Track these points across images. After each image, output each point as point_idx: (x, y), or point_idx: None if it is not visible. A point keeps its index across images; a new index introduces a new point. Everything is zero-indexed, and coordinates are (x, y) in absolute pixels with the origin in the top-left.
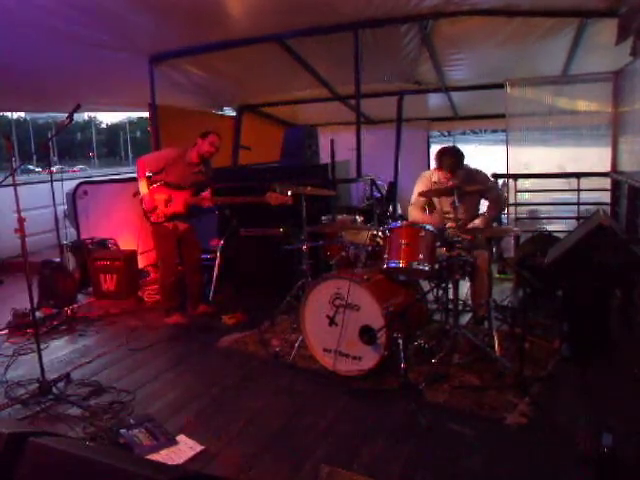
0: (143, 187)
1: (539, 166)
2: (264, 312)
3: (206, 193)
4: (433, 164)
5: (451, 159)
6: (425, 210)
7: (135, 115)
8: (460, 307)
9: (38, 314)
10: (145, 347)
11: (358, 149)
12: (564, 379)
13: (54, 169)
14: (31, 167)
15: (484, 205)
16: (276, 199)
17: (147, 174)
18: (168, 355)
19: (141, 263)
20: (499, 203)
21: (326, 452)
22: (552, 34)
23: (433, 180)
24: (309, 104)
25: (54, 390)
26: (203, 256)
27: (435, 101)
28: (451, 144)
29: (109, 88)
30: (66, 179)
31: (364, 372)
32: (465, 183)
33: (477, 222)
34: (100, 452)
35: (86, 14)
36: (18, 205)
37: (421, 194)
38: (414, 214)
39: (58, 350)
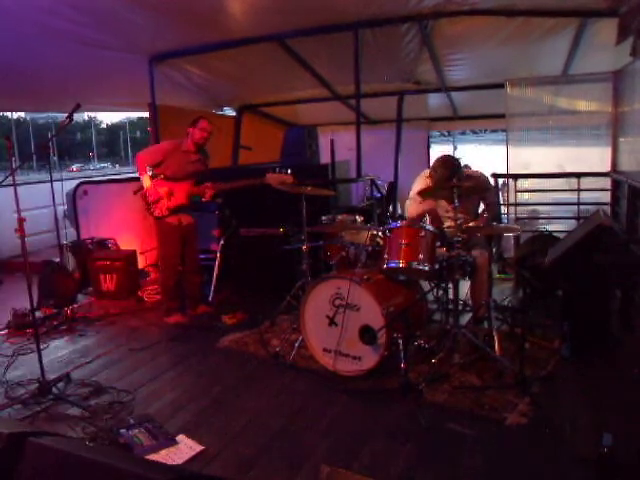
0: (146, 181)
1: (539, 166)
2: (264, 312)
3: (208, 183)
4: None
5: (444, 172)
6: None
7: (135, 115)
8: (460, 307)
9: (38, 314)
10: (145, 347)
11: (358, 149)
12: (564, 379)
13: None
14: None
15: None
16: (276, 179)
17: (149, 173)
18: (168, 355)
19: (141, 263)
20: (493, 209)
21: (326, 452)
22: (552, 34)
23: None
24: (309, 104)
25: (54, 390)
26: (203, 256)
27: (435, 101)
28: (451, 145)
29: (109, 88)
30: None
31: (364, 372)
32: (465, 183)
33: (471, 224)
34: (100, 452)
35: (86, 14)
36: (18, 205)
37: (420, 193)
38: (411, 208)
39: (58, 350)
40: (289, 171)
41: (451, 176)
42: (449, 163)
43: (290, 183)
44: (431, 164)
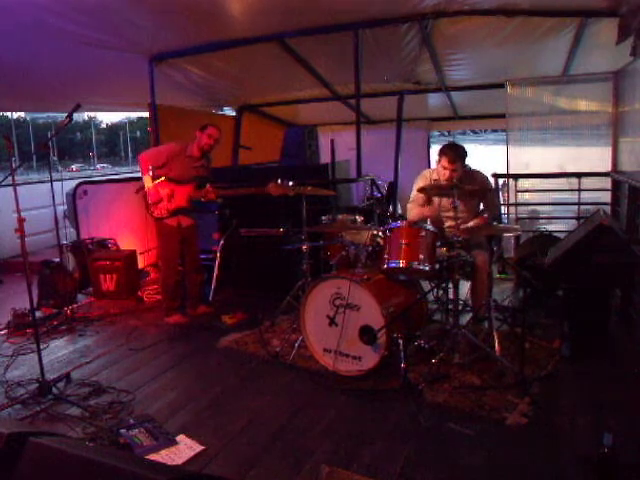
0: (148, 181)
1: (539, 166)
2: (264, 312)
3: (209, 187)
4: (433, 164)
5: (453, 150)
6: (424, 206)
7: (135, 115)
8: (460, 307)
9: (38, 314)
10: (145, 347)
11: (358, 149)
12: (564, 379)
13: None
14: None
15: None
16: (277, 189)
17: (150, 173)
18: (168, 355)
19: (141, 263)
20: (493, 209)
21: (326, 452)
22: (552, 34)
23: (433, 178)
24: (309, 104)
25: (54, 390)
26: (203, 256)
27: (435, 101)
28: None
29: (109, 88)
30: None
31: (364, 372)
32: (464, 182)
33: (472, 223)
34: (100, 452)
35: (86, 14)
36: (18, 205)
37: (420, 190)
38: (413, 211)
39: (58, 350)
40: (290, 183)
41: (459, 154)
42: (454, 144)
43: (292, 194)
44: (436, 152)
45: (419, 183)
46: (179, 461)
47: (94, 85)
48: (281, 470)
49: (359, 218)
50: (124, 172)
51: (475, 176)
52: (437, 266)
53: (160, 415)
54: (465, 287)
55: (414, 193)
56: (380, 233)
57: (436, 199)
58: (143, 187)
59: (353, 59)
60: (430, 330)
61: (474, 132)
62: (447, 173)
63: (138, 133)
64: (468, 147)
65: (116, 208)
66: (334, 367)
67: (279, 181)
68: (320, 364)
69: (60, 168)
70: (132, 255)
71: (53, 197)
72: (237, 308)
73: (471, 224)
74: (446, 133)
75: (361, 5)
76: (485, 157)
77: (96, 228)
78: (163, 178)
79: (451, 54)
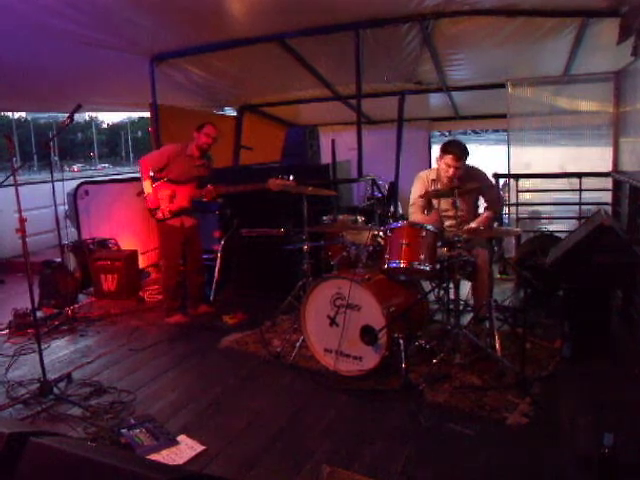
0: (147, 186)
1: (540, 166)
2: (265, 312)
3: (210, 186)
4: (434, 164)
5: (459, 148)
6: (425, 211)
7: (136, 115)
8: (461, 307)
9: (39, 314)
10: (146, 347)
11: (359, 149)
12: (565, 379)
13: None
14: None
15: (483, 204)
16: (278, 185)
17: (150, 174)
18: (169, 355)
19: (142, 263)
20: (497, 203)
21: (326, 452)
22: (553, 34)
23: (431, 178)
24: (310, 104)
25: (55, 390)
26: (205, 256)
27: (436, 101)
28: None
29: (110, 88)
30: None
31: (365, 372)
32: (464, 181)
33: (473, 224)
34: (101, 452)
35: (87, 14)
36: (19, 205)
37: (421, 196)
38: (414, 216)
39: (59, 350)
40: (291, 177)
41: (463, 151)
42: (458, 141)
43: (292, 190)
44: (439, 148)
45: (417, 187)
46: (180, 461)
47: (95, 85)
48: (282, 470)
49: (360, 218)
50: (125, 172)
51: (473, 173)
52: (438, 266)
53: (161, 415)
54: (466, 287)
55: (414, 197)
56: (381, 233)
57: (436, 200)
58: (144, 191)
59: (354, 59)
60: (431, 330)
61: (475, 132)
62: (451, 171)
63: (139, 133)
64: (469, 147)
65: (117, 208)
66: (335, 367)
67: (279, 177)
68: (321, 364)
69: (66, 168)
70: (133, 255)
71: (54, 197)
72: (238, 308)
73: (473, 225)
74: (447, 133)
75: (362, 5)
76: (486, 157)
77: (97, 228)
78: (162, 180)
79: (452, 54)
